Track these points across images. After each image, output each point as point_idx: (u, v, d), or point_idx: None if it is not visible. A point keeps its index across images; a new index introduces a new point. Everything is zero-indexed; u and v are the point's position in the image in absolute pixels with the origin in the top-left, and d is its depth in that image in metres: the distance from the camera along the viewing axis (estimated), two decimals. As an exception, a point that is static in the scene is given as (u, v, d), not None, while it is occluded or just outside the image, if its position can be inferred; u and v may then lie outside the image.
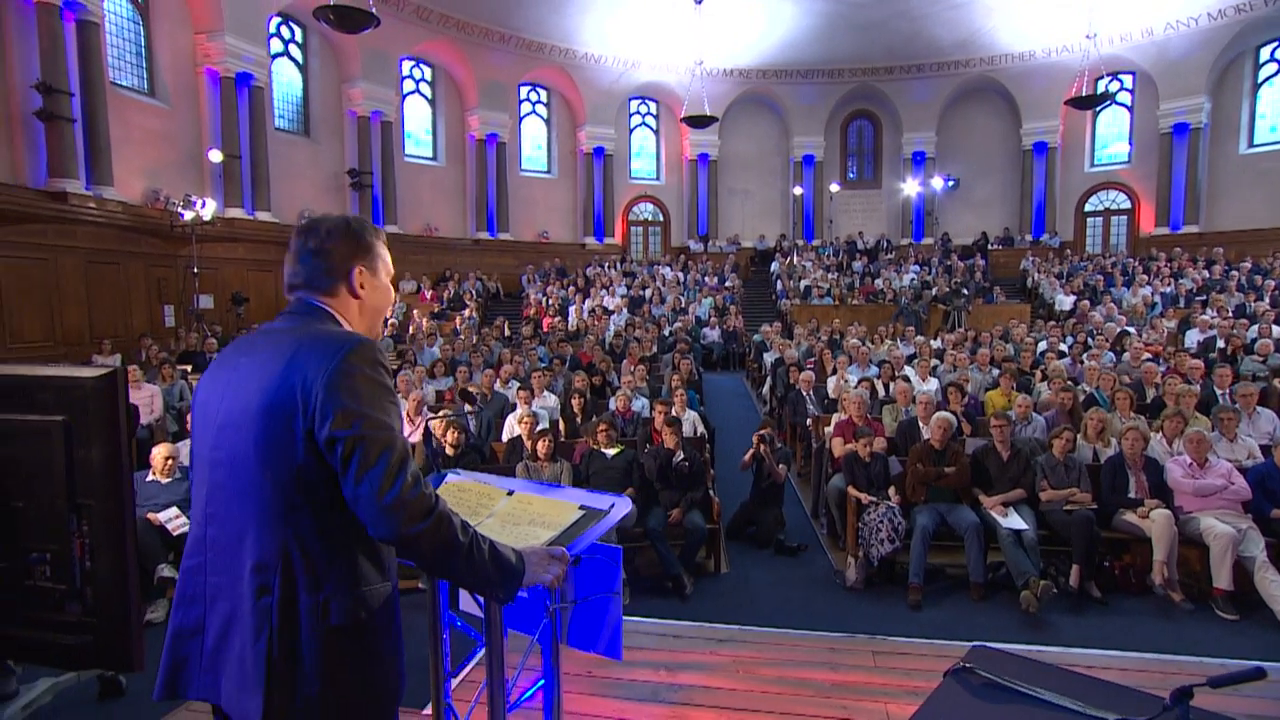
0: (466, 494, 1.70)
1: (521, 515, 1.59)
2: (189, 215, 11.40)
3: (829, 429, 6.73)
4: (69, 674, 3.67)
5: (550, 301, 16.81)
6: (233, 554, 1.33)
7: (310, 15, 12.25)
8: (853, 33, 19.89)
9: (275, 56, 15.63)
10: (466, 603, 1.89)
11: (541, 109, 22.02)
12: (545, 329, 14.49)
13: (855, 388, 7.75)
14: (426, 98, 19.60)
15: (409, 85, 19.08)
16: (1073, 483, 5.33)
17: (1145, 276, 15.60)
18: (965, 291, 14.22)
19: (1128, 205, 20.31)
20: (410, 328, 13.55)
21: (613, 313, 15.59)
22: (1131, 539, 5.13)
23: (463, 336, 12.21)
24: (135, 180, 12.04)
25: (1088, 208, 20.89)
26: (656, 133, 23.57)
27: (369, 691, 1.34)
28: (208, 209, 11.73)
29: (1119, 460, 5.33)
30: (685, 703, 2.66)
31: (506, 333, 13.44)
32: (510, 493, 1.66)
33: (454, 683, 2.32)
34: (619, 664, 3.15)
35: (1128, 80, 19.95)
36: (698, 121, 18.57)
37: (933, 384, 8.27)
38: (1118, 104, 20.16)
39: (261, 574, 1.29)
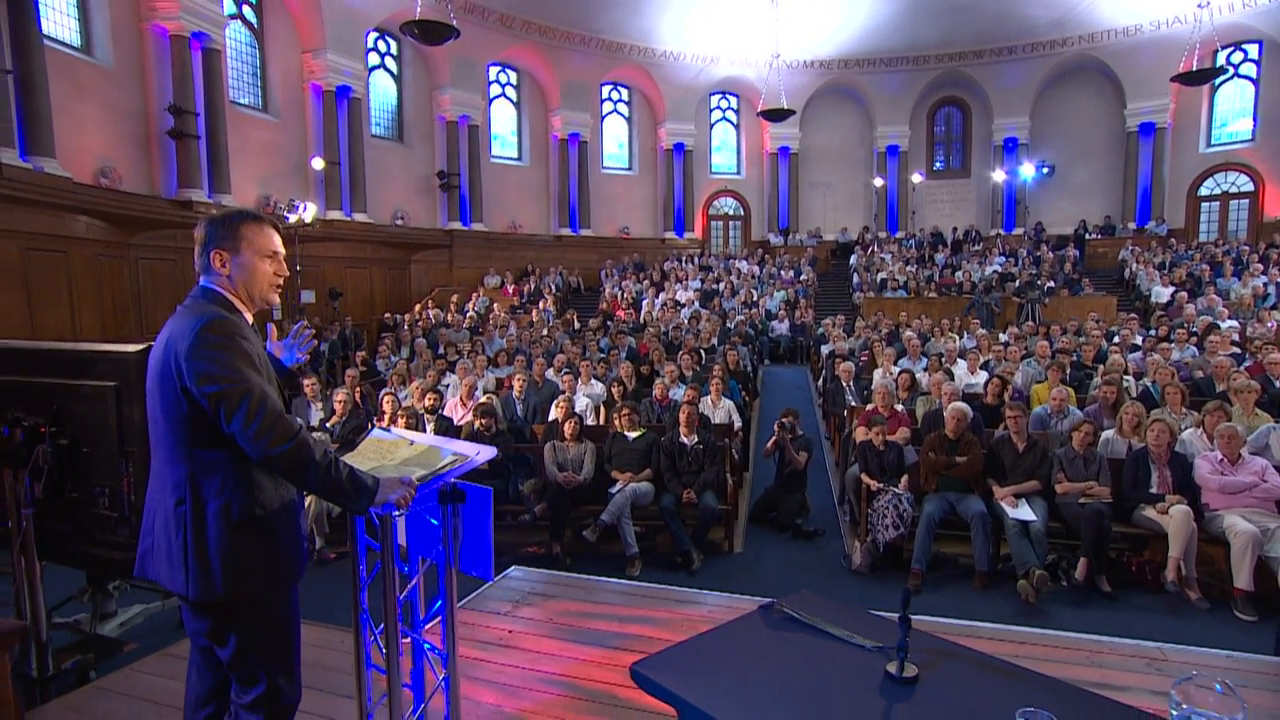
0: (382, 443, 2.15)
1: (414, 460, 2.01)
2: (293, 218, 12.64)
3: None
4: (157, 602, 4.44)
5: (624, 295, 17.31)
6: (161, 478, 1.84)
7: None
8: (938, 17, 19.18)
9: (372, 69, 16.92)
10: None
11: (623, 107, 22.52)
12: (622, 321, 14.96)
13: (895, 378, 7.79)
14: (512, 101, 20.52)
15: (495, 90, 20.03)
16: (1091, 476, 5.23)
17: (1261, 265, 14.31)
18: (1043, 284, 13.57)
19: (1250, 188, 18.53)
20: (490, 319, 14.39)
21: (684, 306, 15.90)
22: (1151, 535, 5.00)
23: (534, 328, 12.88)
24: (250, 188, 13.48)
25: (1202, 191, 19.21)
26: (737, 127, 23.58)
27: (268, 568, 1.82)
28: (309, 212, 12.94)
29: (1143, 454, 5.19)
30: (622, 648, 3.00)
31: (576, 325, 14.02)
32: (412, 443, 2.09)
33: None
34: (581, 614, 3.54)
35: (1252, 50, 18.21)
36: (775, 115, 18.52)
37: (981, 377, 8.12)
38: (1240, 77, 18.44)
39: (177, 490, 1.79)
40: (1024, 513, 5.08)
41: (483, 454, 1.98)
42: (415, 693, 2.22)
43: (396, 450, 2.07)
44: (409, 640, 2.26)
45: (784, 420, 6.39)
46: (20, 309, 9.69)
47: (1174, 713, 1.13)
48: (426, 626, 2.26)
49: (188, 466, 1.77)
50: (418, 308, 15.61)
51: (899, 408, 6.94)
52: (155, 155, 12.05)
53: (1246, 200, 18.64)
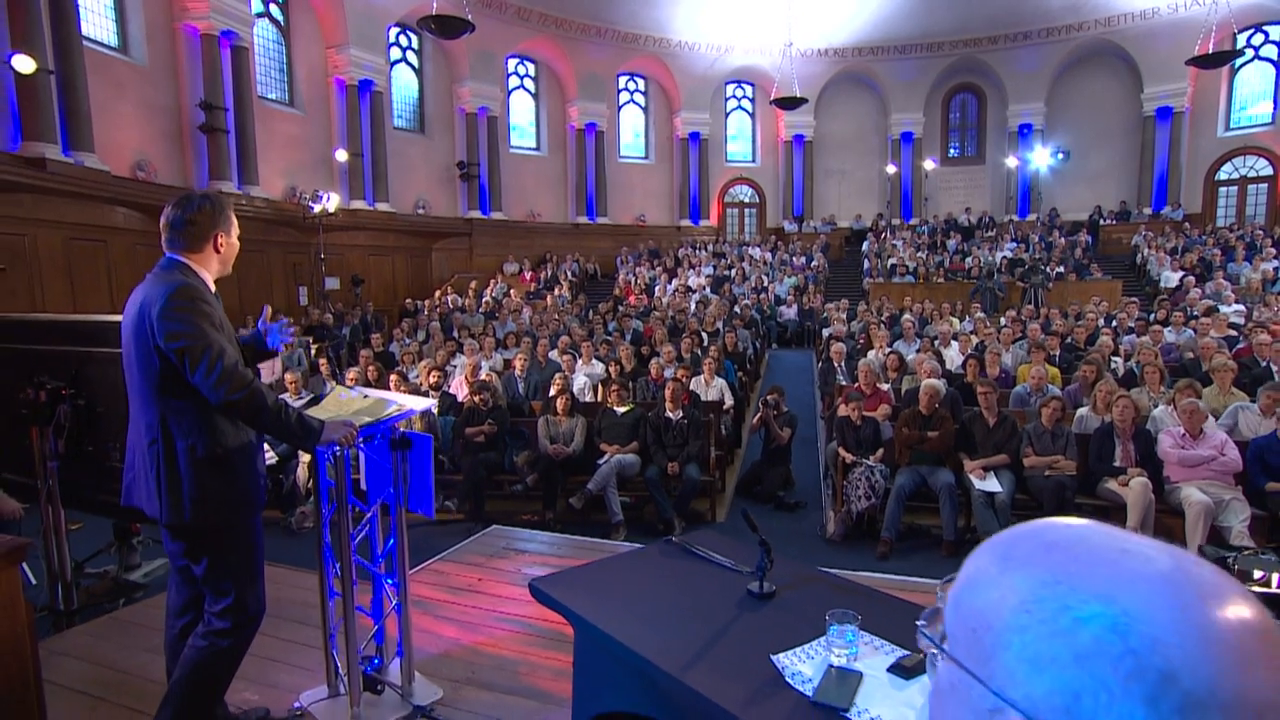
0: (345, 401, 2.41)
1: (364, 409, 2.27)
2: (317, 208, 13.03)
3: (847, 397, 6.95)
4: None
5: (638, 281, 17.49)
6: (137, 421, 2.12)
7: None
8: (953, 3, 18.93)
9: (394, 63, 17.24)
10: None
11: (639, 97, 22.59)
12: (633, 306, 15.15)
13: (884, 359, 7.90)
14: (530, 92, 20.73)
15: (514, 81, 20.25)
16: (1059, 450, 5.34)
17: (1275, 250, 14.02)
18: (1050, 269, 13.47)
19: (1269, 171, 18.05)
20: (505, 304, 14.68)
21: (695, 292, 16.04)
22: (1113, 506, 5.11)
23: (547, 313, 13.14)
24: (276, 179, 13.90)
25: (1220, 176, 18.76)
26: (752, 115, 23.52)
27: (228, 499, 2.09)
28: (333, 202, 13.33)
29: (1109, 430, 5.28)
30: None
31: (587, 310, 14.24)
32: (365, 396, 2.35)
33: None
34: (547, 565, 3.79)
35: (1274, 31, 17.68)
36: (788, 103, 18.45)
37: (971, 358, 8.19)
38: (1261, 59, 17.93)
39: (150, 431, 2.06)
40: (991, 484, 5.22)
41: (422, 403, 2.24)
42: (375, 618, 2.48)
43: (352, 403, 2.33)
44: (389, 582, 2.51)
45: (768, 398, 6.57)
46: (64, 295, 10.19)
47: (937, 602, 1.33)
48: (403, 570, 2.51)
49: (159, 411, 2.05)
50: (437, 294, 15.97)
51: (885, 387, 7.06)
52: (188, 149, 12.50)
53: (1265, 184, 18.17)
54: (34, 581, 3.84)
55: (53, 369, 3.19)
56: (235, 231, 2.25)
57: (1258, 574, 2.90)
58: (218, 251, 2.18)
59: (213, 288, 2.18)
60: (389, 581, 2.48)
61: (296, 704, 2.41)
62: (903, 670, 1.41)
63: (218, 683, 2.16)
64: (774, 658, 1.45)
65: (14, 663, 2.01)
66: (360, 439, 2.23)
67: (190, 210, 2.15)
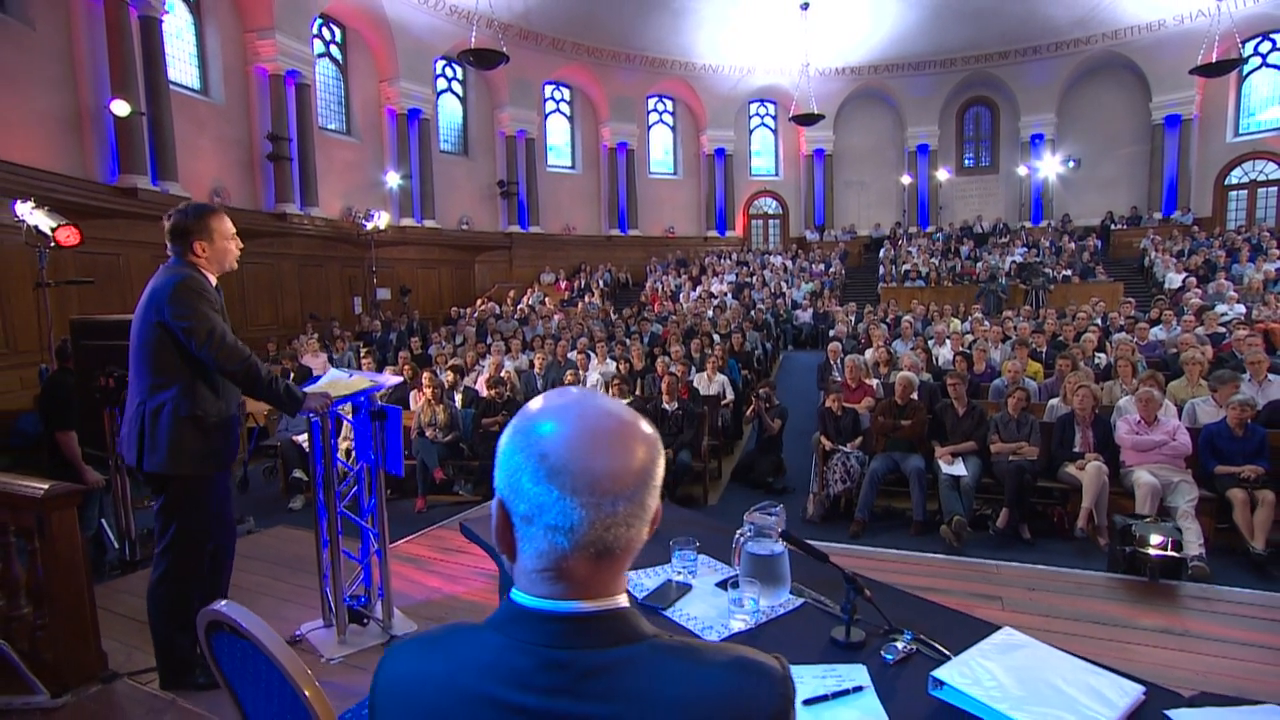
0: (337, 380, 2.73)
1: (346, 386, 2.58)
2: (370, 225, 13.65)
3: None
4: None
5: (664, 288, 17.72)
6: (133, 385, 2.41)
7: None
8: (963, 21, 18.68)
9: (440, 93, 17.87)
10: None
11: (667, 117, 22.85)
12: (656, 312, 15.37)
13: (876, 354, 7.98)
14: (565, 115, 21.19)
15: (550, 105, 20.72)
16: (1023, 437, 5.41)
17: (1279, 251, 13.50)
18: (1055, 272, 13.23)
19: (1279, 175, 17.32)
20: (538, 311, 15.09)
21: (716, 298, 16.20)
22: (1072, 489, 5.15)
23: (575, 318, 13.50)
24: (334, 200, 14.60)
25: (1230, 180, 18.03)
26: (774, 131, 23.54)
27: (202, 454, 2.37)
28: (384, 220, 13.93)
29: (1069, 417, 5.32)
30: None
31: (612, 315, 14.54)
32: (351, 375, 2.67)
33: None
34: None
35: (1283, 38, 16.99)
36: (806, 120, 18.48)
37: (960, 355, 8.19)
38: (1269, 66, 17.22)
39: (140, 394, 2.36)
40: (957, 469, 5.31)
41: (392, 380, 2.56)
42: (361, 560, 2.80)
43: (341, 382, 2.65)
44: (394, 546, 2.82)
45: (760, 391, 6.75)
46: (151, 305, 10.95)
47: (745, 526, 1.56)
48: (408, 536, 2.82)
49: (150, 379, 2.35)
50: (478, 302, 16.49)
51: (872, 382, 7.15)
52: (257, 176, 13.26)
53: (1275, 188, 17.42)
54: (117, 546, 4.31)
55: (119, 360, 3.61)
56: (221, 238, 2.44)
57: (1155, 539, 2.99)
58: (198, 255, 2.41)
59: (214, 281, 2.46)
60: (374, 534, 2.79)
61: (297, 632, 2.73)
62: (723, 584, 1.64)
63: (176, 614, 2.39)
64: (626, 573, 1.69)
65: (73, 580, 2.38)
66: (349, 408, 2.54)
67: (173, 220, 2.43)
